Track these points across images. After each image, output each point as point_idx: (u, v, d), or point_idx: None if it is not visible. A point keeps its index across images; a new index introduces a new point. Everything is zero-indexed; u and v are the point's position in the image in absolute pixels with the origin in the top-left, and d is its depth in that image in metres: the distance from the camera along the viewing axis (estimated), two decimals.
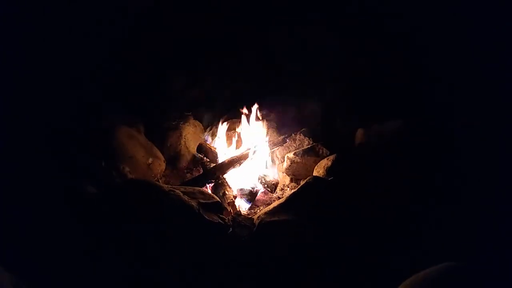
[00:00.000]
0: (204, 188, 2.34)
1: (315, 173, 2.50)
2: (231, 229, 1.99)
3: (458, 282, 0.92)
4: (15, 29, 2.28)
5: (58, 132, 2.25)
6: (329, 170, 2.39)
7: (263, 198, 2.59)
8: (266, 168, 2.85)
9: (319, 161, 2.57)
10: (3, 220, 1.65)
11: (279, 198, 2.54)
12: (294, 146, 2.91)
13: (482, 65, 2.40)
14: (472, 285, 0.90)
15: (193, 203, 1.98)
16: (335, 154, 2.48)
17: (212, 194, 2.22)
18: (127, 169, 2.37)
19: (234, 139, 2.96)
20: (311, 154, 2.66)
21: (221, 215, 2.04)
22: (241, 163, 2.65)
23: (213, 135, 3.02)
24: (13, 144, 2.04)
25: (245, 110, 2.88)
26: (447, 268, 0.94)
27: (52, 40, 2.41)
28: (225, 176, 2.59)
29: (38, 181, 1.92)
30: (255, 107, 2.87)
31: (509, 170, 2.00)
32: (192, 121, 2.96)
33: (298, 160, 2.65)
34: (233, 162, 2.61)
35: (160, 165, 2.61)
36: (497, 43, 2.38)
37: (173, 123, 2.88)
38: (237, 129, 2.95)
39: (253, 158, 2.73)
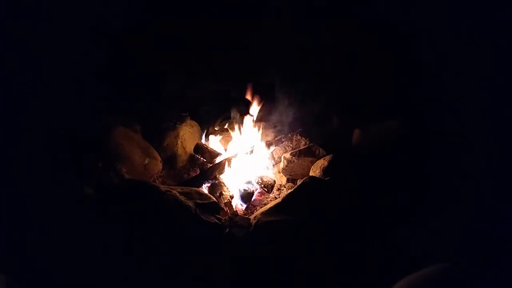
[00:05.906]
0: (201, 189, 2.34)
1: (311, 173, 2.51)
2: (227, 229, 2.00)
3: (453, 282, 0.92)
4: (14, 28, 2.28)
5: (54, 132, 2.24)
6: (325, 170, 2.40)
7: (260, 198, 2.59)
8: (266, 168, 2.85)
9: (315, 161, 2.58)
10: None
11: (275, 198, 2.55)
12: (290, 147, 2.92)
13: (481, 66, 2.40)
14: (466, 285, 0.91)
15: (190, 203, 1.98)
16: (331, 154, 2.49)
17: (209, 195, 2.22)
18: (124, 169, 2.37)
19: (231, 140, 2.96)
20: (308, 155, 2.66)
21: (218, 216, 2.04)
22: (235, 163, 2.65)
23: (210, 135, 3.01)
24: (10, 144, 2.03)
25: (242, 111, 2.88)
26: (441, 268, 0.95)
27: (50, 40, 2.40)
28: (222, 176, 2.59)
29: (35, 181, 1.92)
30: (252, 108, 2.87)
31: (507, 170, 2.01)
32: (189, 121, 2.96)
33: (295, 160, 2.66)
34: (229, 163, 2.61)
35: (157, 166, 2.61)
36: (496, 44, 2.38)
37: (170, 124, 2.87)
38: (234, 130, 2.95)
39: (249, 158, 2.73)
